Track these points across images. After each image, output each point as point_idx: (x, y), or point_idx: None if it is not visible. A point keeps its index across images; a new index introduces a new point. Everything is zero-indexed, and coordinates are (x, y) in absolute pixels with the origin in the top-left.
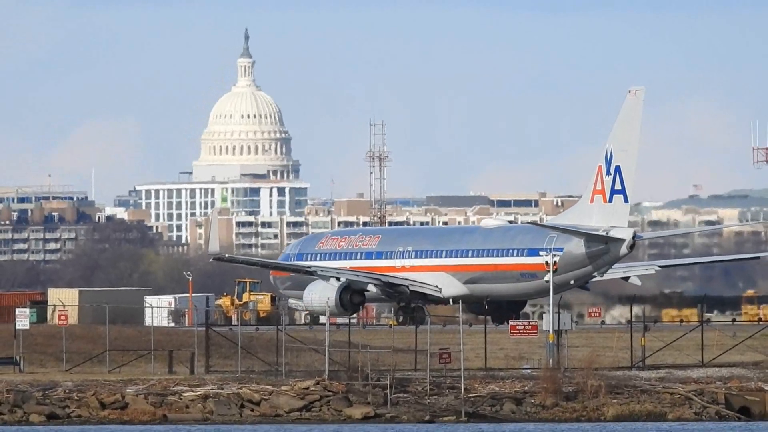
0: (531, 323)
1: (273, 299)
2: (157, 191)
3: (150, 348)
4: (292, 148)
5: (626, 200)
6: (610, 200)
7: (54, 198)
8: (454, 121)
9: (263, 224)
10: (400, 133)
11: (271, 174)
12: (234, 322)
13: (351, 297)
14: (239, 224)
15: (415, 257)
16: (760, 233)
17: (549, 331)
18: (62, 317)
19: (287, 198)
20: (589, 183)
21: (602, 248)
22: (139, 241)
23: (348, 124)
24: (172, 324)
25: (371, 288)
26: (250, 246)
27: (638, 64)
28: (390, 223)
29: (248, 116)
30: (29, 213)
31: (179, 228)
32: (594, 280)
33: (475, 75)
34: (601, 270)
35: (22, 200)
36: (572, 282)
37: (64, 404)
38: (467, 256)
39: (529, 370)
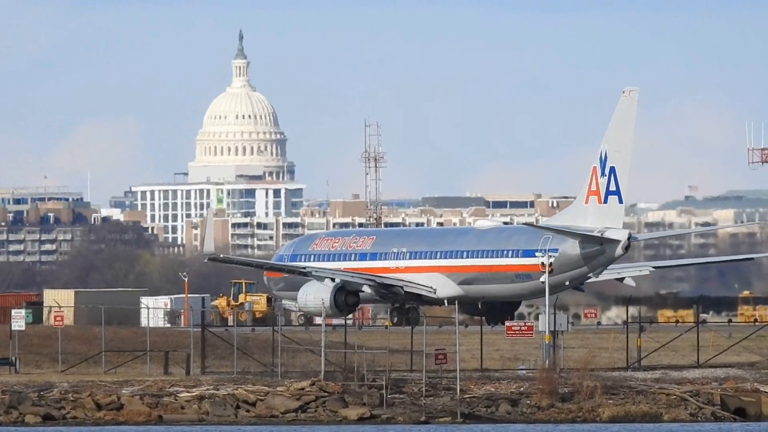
0: (527, 324)
1: (269, 300)
2: (152, 192)
3: (146, 349)
4: (288, 149)
5: (621, 201)
6: (605, 201)
7: (50, 199)
8: (449, 122)
9: (259, 225)
10: (396, 134)
11: (266, 175)
12: (230, 323)
13: (345, 298)
14: (235, 225)
15: (410, 258)
16: (756, 234)
17: (545, 331)
18: (58, 318)
19: (283, 199)
20: (584, 184)
21: (597, 249)
22: (135, 242)
23: (343, 125)
24: (168, 325)
25: (366, 289)
26: (245, 247)
27: (634, 64)
28: (385, 224)
29: (243, 117)
30: (25, 214)
31: (175, 229)
32: (589, 281)
33: (470, 76)
34: (596, 271)
35: (18, 201)
36: (567, 283)
37: (59, 405)
38: (462, 257)
39: (524, 371)
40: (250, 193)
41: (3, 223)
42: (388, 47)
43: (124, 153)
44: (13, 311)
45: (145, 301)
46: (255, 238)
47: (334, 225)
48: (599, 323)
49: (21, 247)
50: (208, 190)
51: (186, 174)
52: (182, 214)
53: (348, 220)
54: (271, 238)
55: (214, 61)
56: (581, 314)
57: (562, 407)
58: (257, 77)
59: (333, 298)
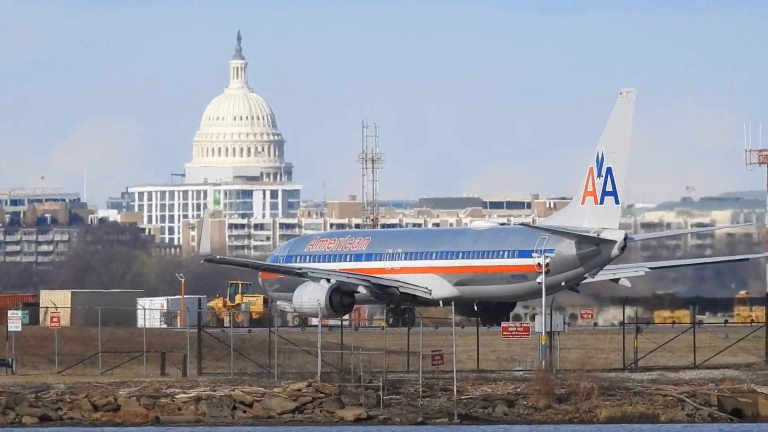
0: (523, 325)
1: (266, 301)
2: (149, 193)
3: (142, 350)
4: (285, 151)
5: (617, 202)
6: (601, 202)
7: (47, 200)
8: (447, 122)
9: (256, 226)
10: (394, 135)
11: (263, 176)
12: (226, 323)
13: (341, 299)
14: (232, 226)
15: (405, 259)
16: (752, 235)
17: (541, 332)
18: (54, 319)
19: (280, 200)
20: (580, 185)
21: (593, 250)
22: (132, 243)
23: (341, 126)
24: (165, 326)
25: (361, 290)
26: (242, 248)
27: (632, 65)
28: (382, 225)
29: (241, 118)
30: (22, 215)
31: (172, 230)
32: (585, 281)
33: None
34: (592, 272)
35: (15, 202)
36: (563, 284)
37: (56, 406)
38: (457, 258)
39: (521, 373)
40: (247, 194)
41: (0, 224)
42: (386, 48)
43: (122, 154)
44: (10, 312)
45: (142, 302)
46: (252, 239)
47: (331, 226)
48: (595, 324)
49: (18, 247)
50: (206, 191)
51: (182, 175)
52: (179, 215)
53: (345, 221)
54: (268, 239)
55: (213, 62)
56: (578, 315)
57: (559, 408)
58: (255, 78)
59: (328, 299)
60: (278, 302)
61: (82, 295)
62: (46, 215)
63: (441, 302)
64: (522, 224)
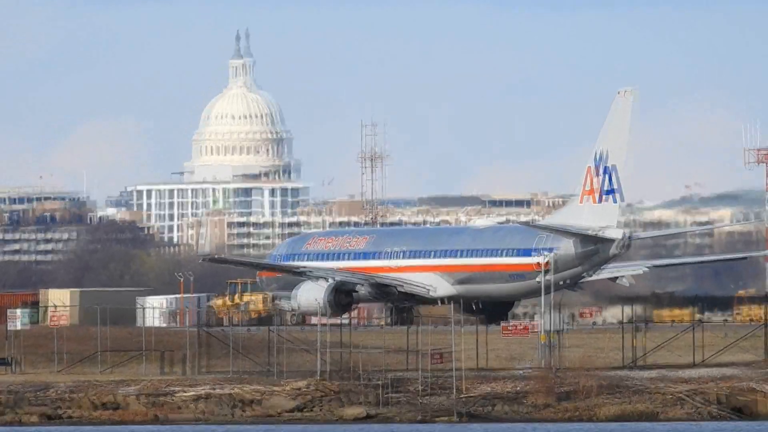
0: (523, 324)
1: (265, 300)
2: (150, 192)
3: (143, 349)
4: (286, 149)
5: (616, 201)
6: (600, 201)
7: (48, 199)
8: (447, 121)
9: (257, 225)
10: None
11: (264, 175)
12: (226, 322)
13: (340, 297)
14: (232, 225)
15: (405, 258)
16: (752, 233)
17: (541, 331)
18: (55, 318)
19: (280, 199)
20: (580, 183)
21: (593, 248)
22: (132, 242)
23: (342, 124)
24: (165, 325)
25: (360, 288)
26: (243, 247)
27: (632, 65)
28: (382, 224)
29: (241, 117)
30: (22, 214)
31: (172, 229)
32: (584, 280)
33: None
34: (592, 270)
35: (16, 201)
36: (561, 282)
37: (57, 405)
38: (457, 257)
39: (523, 372)
40: (248, 192)
41: (1, 223)
42: (388, 47)
43: (123, 153)
44: (10, 311)
45: (142, 300)
46: (253, 238)
47: (332, 224)
48: (595, 323)
49: (18, 246)
50: (206, 190)
51: (182, 174)
52: (179, 214)
53: (346, 219)
54: (268, 237)
55: (213, 61)
56: (577, 314)
57: (560, 406)
58: (255, 77)
59: (328, 298)
60: (277, 301)
61: (82, 293)
62: (47, 214)
63: (440, 301)
64: (522, 223)
